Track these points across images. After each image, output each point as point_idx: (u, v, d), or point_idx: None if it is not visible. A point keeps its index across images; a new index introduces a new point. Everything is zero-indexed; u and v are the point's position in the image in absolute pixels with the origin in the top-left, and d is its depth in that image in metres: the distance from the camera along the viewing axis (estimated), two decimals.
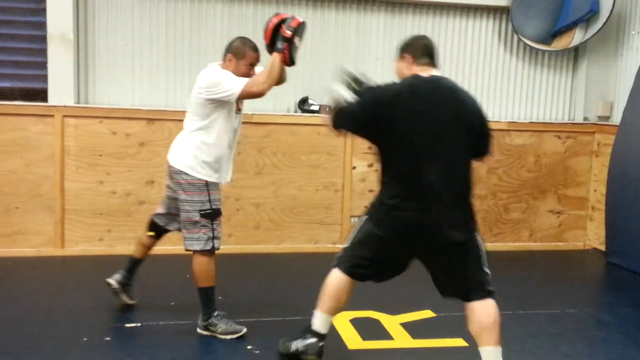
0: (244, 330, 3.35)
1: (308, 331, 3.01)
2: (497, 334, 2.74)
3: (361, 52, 5.43)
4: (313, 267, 4.77)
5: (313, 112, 5.21)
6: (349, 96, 2.79)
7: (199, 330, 3.33)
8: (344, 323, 3.58)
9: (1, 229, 4.66)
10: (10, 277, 4.29)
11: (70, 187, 4.74)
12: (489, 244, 5.34)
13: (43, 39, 4.80)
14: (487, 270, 2.83)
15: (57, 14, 4.74)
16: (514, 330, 3.60)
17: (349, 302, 2.97)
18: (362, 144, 5.20)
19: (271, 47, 3.27)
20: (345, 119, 2.82)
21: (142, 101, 5.04)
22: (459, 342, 3.38)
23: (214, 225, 3.26)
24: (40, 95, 4.84)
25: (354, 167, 5.22)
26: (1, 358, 2.98)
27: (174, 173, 3.29)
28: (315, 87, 5.32)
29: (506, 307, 3.92)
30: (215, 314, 3.33)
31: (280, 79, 3.32)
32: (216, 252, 3.32)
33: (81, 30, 4.92)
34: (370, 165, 5.24)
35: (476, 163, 2.87)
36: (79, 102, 4.90)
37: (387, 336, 3.46)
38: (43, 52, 4.81)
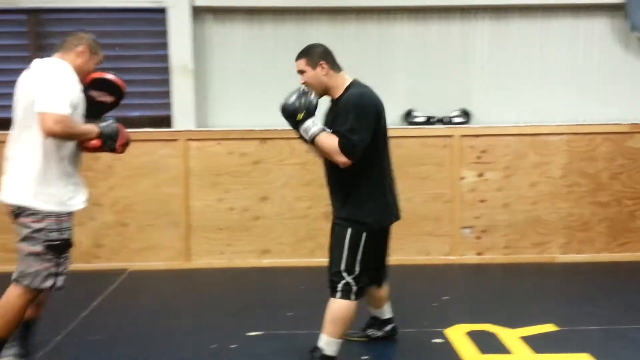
0: None
1: (325, 358, 3.01)
2: None
3: (466, 61, 5.38)
4: (425, 279, 4.78)
5: (418, 124, 5.23)
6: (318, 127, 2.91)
7: None
8: (459, 336, 3.55)
9: (136, 244, 5.12)
10: (144, 288, 4.69)
11: (195, 204, 5.10)
12: (614, 255, 5.15)
13: (166, 70, 5.24)
14: None
15: (178, 47, 5.17)
16: None
17: None
18: (471, 154, 5.14)
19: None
20: (361, 147, 2.91)
21: (255, 122, 5.33)
22: (586, 358, 3.23)
23: None
24: (165, 121, 5.28)
25: (463, 178, 5.16)
26: None
27: None
28: (419, 98, 5.35)
29: (636, 321, 3.73)
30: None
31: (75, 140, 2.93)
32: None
33: (199, 61, 5.31)
34: (480, 175, 5.15)
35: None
36: (199, 126, 5.28)
37: (505, 350, 3.37)
38: (166, 82, 5.25)
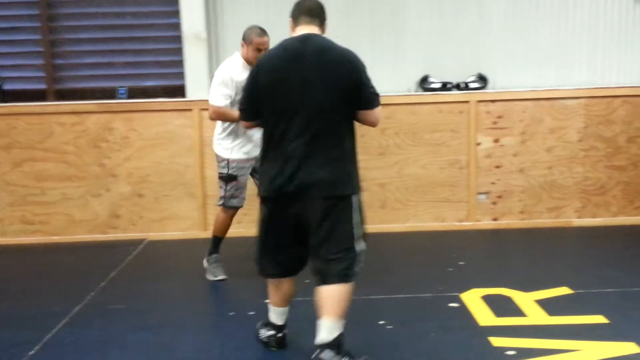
0: (222, 277, 4.06)
1: (269, 323, 3.01)
2: None
3: (482, 24, 5.27)
4: (440, 244, 4.80)
5: (434, 90, 5.17)
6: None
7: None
8: (475, 300, 3.58)
9: (153, 215, 5.18)
10: (163, 258, 4.77)
11: (210, 174, 5.11)
12: (632, 218, 5.11)
13: (178, 39, 5.21)
14: None
15: (190, 15, 5.12)
16: None
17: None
18: (487, 120, 5.09)
19: None
20: (241, 111, 2.88)
21: None
22: (600, 319, 3.24)
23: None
24: (179, 91, 5.28)
25: (479, 144, 5.12)
26: (159, 329, 3.35)
27: None
28: (434, 65, 5.27)
29: None
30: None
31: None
32: None
33: (212, 29, 5.27)
34: (496, 141, 5.11)
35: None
36: None
37: (520, 313, 3.40)
38: (179, 51, 5.23)
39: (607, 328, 3.15)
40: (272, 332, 3.01)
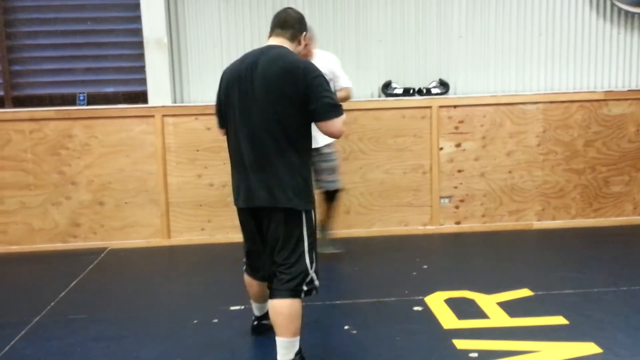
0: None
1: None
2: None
3: (443, 31, 5.36)
4: (404, 249, 4.84)
5: (397, 95, 5.23)
6: None
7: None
8: (438, 303, 3.62)
9: (114, 223, 5.08)
10: (125, 266, 4.68)
11: (173, 181, 5.07)
12: (590, 220, 5.25)
13: (140, 44, 5.14)
14: None
15: (152, 21, 5.07)
16: (618, 307, 3.49)
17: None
18: (449, 125, 5.17)
19: None
20: (216, 120, 2.92)
21: None
22: (560, 320, 3.32)
23: None
24: (141, 97, 5.21)
25: (441, 148, 5.19)
26: (120, 340, 3.29)
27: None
28: (397, 70, 5.34)
29: (610, 284, 3.84)
30: None
31: None
32: None
33: (174, 35, 5.22)
34: (458, 145, 5.19)
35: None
36: (175, 102, 5.22)
37: (482, 315, 3.45)
38: (141, 57, 5.16)
39: (567, 329, 3.22)
40: (252, 319, 3.25)
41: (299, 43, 2.83)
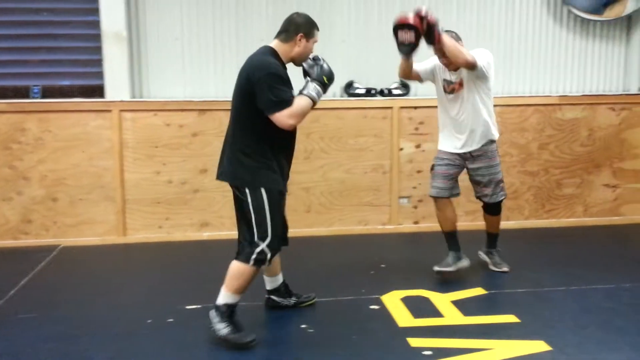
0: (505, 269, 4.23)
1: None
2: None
3: None
4: (363, 248, 4.87)
5: (359, 95, 5.26)
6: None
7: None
8: (395, 302, 3.66)
9: (68, 220, 4.95)
10: (78, 264, 4.56)
11: (130, 177, 4.97)
12: (543, 221, 5.39)
13: (98, 37, 5.02)
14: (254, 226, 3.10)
15: (110, 13, 4.95)
16: (568, 306, 3.59)
17: None
18: (409, 126, 5.23)
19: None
20: None
21: (194, 93, 5.21)
22: (511, 319, 3.40)
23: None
24: (98, 91, 5.09)
25: (401, 149, 5.25)
26: (72, 340, 3.20)
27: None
28: (359, 70, 5.37)
29: (560, 283, 3.95)
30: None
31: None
32: None
33: (133, 28, 5.12)
34: (418, 146, 5.26)
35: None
36: (134, 97, 5.11)
37: (437, 314, 3.51)
38: (98, 50, 5.04)
39: (518, 327, 3.30)
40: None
41: (295, 44, 3.10)
